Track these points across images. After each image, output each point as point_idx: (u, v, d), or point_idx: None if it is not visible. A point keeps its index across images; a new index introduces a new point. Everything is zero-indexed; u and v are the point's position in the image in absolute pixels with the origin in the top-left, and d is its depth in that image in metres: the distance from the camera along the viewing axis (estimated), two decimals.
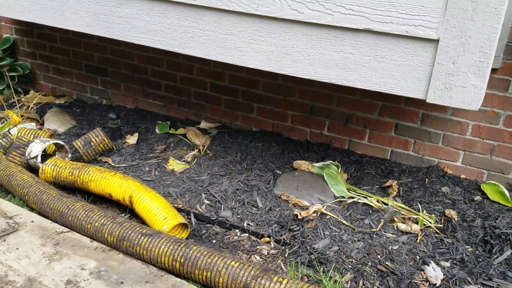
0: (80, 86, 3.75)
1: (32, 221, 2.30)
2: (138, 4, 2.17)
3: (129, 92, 3.50)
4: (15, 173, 2.52)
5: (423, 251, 1.99)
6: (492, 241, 2.02)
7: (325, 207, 2.25)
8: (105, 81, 3.58)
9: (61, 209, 2.25)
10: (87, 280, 1.90)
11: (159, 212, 2.17)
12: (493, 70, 2.30)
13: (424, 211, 2.24)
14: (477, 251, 2.00)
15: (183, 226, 2.21)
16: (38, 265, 1.97)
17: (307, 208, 2.23)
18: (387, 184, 2.41)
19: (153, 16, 2.16)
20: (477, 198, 2.35)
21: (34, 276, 1.90)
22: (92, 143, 2.74)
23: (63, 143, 2.73)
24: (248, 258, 2.09)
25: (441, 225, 2.14)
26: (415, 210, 2.23)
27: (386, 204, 2.26)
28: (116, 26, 2.27)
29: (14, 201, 2.48)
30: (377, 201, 2.29)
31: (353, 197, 2.31)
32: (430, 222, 2.13)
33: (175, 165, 2.66)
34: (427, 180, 2.49)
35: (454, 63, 1.64)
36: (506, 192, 2.33)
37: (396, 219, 2.15)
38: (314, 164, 2.56)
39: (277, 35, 1.92)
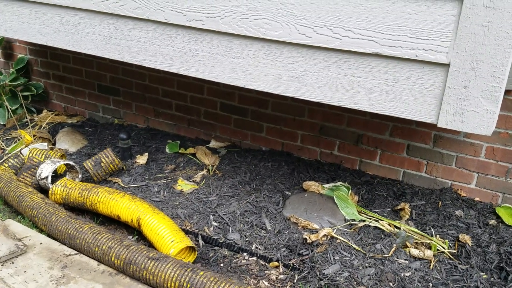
0: (92, 105, 3.79)
1: (41, 243, 2.30)
2: (149, 28, 2.19)
3: (141, 111, 3.53)
4: (25, 194, 2.53)
5: (436, 278, 1.93)
6: (507, 268, 1.95)
7: (335, 230, 2.21)
8: (117, 100, 3.62)
9: (69, 231, 2.25)
10: None
11: (166, 234, 2.16)
12: (507, 92, 2.25)
13: (438, 235, 2.18)
14: (492, 278, 1.94)
15: (191, 249, 2.18)
16: None
17: (317, 232, 2.19)
18: (399, 207, 2.36)
19: (163, 39, 2.17)
20: (492, 222, 2.29)
21: None
22: (102, 164, 2.75)
23: (73, 164, 2.75)
24: (256, 283, 2.05)
25: (455, 251, 2.08)
26: (428, 234, 2.17)
27: (398, 228, 2.21)
28: (127, 49, 2.29)
29: (23, 222, 2.49)
30: (389, 224, 2.24)
31: (364, 221, 2.27)
32: (444, 248, 2.08)
33: (184, 185, 2.65)
34: (440, 203, 2.43)
35: (466, 87, 1.60)
36: None
37: (408, 244, 2.10)
38: (324, 185, 2.52)
39: (285, 59, 1.91)
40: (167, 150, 3.10)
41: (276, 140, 3.02)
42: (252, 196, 2.50)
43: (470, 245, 2.10)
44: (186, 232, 2.34)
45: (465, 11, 1.53)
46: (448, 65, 1.61)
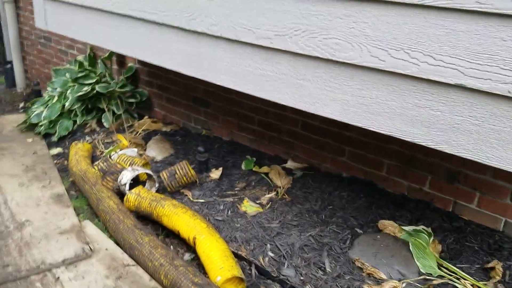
0: (186, 115, 3.90)
1: (106, 249, 2.38)
2: (221, 45, 2.13)
3: (226, 124, 3.52)
4: (104, 198, 2.66)
5: None
6: None
7: (404, 284, 1.89)
8: (207, 112, 3.67)
9: (131, 241, 2.29)
10: None
11: (216, 260, 2.06)
12: None
13: None
14: None
15: (240, 279, 2.06)
16: None
17: (382, 283, 1.90)
18: (490, 265, 1.94)
19: (232, 58, 2.09)
20: None
21: None
22: (176, 175, 2.77)
23: (151, 173, 2.82)
24: None
25: None
26: None
27: None
28: (201, 67, 2.25)
29: (98, 225, 2.62)
30: (472, 285, 1.85)
31: (443, 277, 1.91)
32: None
33: (248, 207, 2.54)
34: None
35: None
36: None
37: None
38: (403, 227, 2.20)
39: (354, 84, 1.69)
40: (243, 167, 3.03)
41: (358, 167, 2.75)
42: (317, 229, 2.29)
43: None
44: (241, 258, 2.23)
45: None
46: None
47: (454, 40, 1.38)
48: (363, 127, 1.69)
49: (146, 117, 4.21)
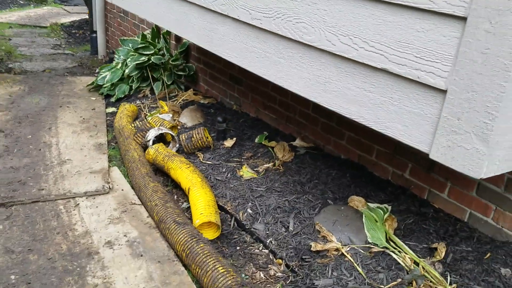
0: (223, 91, 4.30)
1: (122, 190, 2.87)
2: (227, 23, 2.46)
3: (253, 102, 3.86)
4: (130, 149, 3.16)
5: None
6: None
7: (349, 248, 2.14)
8: (239, 90, 4.03)
9: (140, 185, 2.75)
10: (121, 245, 2.31)
11: (200, 207, 2.45)
12: None
13: (459, 287, 1.90)
14: None
15: (217, 226, 2.42)
16: (99, 223, 2.48)
17: (326, 243, 2.16)
18: (433, 246, 2.11)
19: (236, 35, 2.41)
20: None
21: (91, 230, 2.41)
22: (192, 139, 3.18)
23: (173, 134, 3.26)
24: (254, 272, 2.18)
25: None
26: (447, 282, 1.91)
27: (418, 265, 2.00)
28: (213, 41, 2.61)
29: (123, 171, 3.12)
30: (411, 259, 2.04)
31: (386, 248, 2.12)
32: None
33: (245, 172, 2.88)
34: (489, 254, 2.06)
35: (459, 119, 1.41)
36: None
37: (414, 284, 1.90)
38: (369, 204, 2.41)
39: (315, 64, 1.95)
40: (256, 140, 3.36)
41: (354, 151, 2.96)
42: (295, 196, 2.57)
43: None
44: (226, 212, 2.59)
45: (467, 34, 1.35)
46: (445, 91, 1.44)
47: (384, 29, 1.60)
48: (318, 103, 1.95)
49: (191, 89, 4.67)
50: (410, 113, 1.57)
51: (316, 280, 2.00)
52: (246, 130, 3.58)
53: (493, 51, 1.29)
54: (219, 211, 2.62)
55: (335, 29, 1.79)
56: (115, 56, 5.19)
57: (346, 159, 3.01)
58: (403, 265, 2.02)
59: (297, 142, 3.29)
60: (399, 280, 1.94)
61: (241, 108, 4.07)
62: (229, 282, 1.89)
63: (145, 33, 5.21)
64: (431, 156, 1.52)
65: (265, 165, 2.95)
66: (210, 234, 2.43)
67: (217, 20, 2.53)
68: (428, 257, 2.07)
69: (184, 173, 2.75)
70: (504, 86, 1.27)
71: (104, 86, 4.85)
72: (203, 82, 4.65)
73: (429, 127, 1.52)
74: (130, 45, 4.92)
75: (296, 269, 2.11)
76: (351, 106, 1.80)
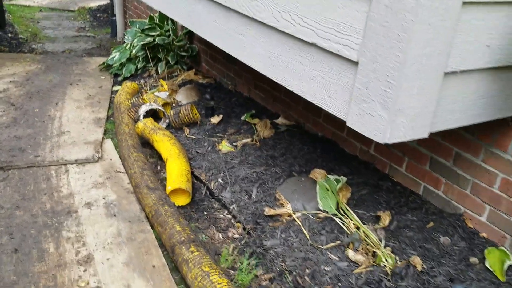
0: (221, 71, 4.47)
1: (111, 159, 3.11)
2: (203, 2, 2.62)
3: (246, 82, 4.02)
4: (123, 123, 3.40)
5: (350, 281, 1.87)
6: None
7: (300, 214, 2.29)
8: (235, 70, 4.19)
9: (125, 155, 2.99)
10: (98, 206, 2.56)
11: (174, 175, 2.65)
12: None
13: (395, 251, 2.03)
14: None
15: (188, 194, 2.62)
16: (83, 187, 2.74)
17: (278, 209, 2.32)
18: (378, 214, 2.24)
19: (209, 14, 2.57)
20: (473, 260, 1.95)
21: (74, 192, 2.67)
22: (180, 115, 3.39)
23: (163, 110, 3.48)
24: (215, 234, 2.38)
25: (395, 269, 1.92)
26: (382, 246, 2.04)
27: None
28: (193, 20, 2.78)
29: (114, 143, 3.36)
30: (355, 225, 2.18)
31: (335, 215, 2.26)
32: (386, 263, 1.95)
33: (224, 146, 3.06)
34: (432, 224, 2.17)
35: (367, 89, 1.53)
36: (507, 264, 1.86)
37: (351, 246, 2.04)
38: (329, 175, 2.55)
39: (267, 40, 2.09)
40: (242, 118, 3.53)
41: (329, 129, 3.08)
42: (263, 168, 2.74)
43: (418, 269, 1.90)
44: (200, 181, 2.79)
45: (372, 9, 1.48)
46: (357, 63, 1.56)
47: (315, 3, 1.71)
48: (271, 77, 2.10)
49: (192, 70, 4.87)
50: (334, 84, 1.70)
51: (265, 240, 2.18)
52: (236, 109, 3.75)
53: (391, 24, 1.41)
54: (195, 181, 2.83)
55: (279, 6, 1.92)
56: (125, 37, 5.44)
57: (322, 136, 3.14)
58: (346, 230, 2.16)
59: (280, 120, 3.44)
60: (338, 242, 2.09)
61: (236, 88, 4.24)
62: (183, 238, 2.10)
63: (154, 15, 5.43)
64: (348, 124, 1.65)
65: (244, 140, 3.12)
66: (182, 200, 2.63)
67: (194, 0, 2.70)
68: (372, 224, 2.20)
69: (164, 145, 2.96)
70: (399, 56, 1.39)
71: (114, 65, 5.11)
72: (205, 62, 4.83)
73: (346, 97, 1.65)
74: (137, 26, 5.15)
75: (251, 231, 2.29)
76: (293, 79, 1.95)
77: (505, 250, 1.98)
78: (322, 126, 3.16)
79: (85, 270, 2.05)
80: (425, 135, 1.59)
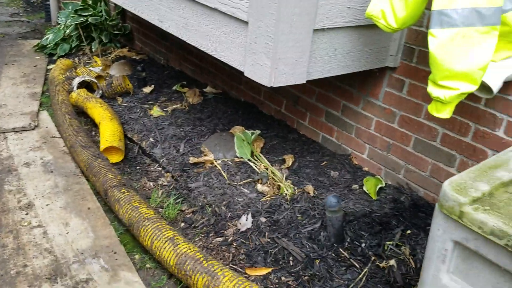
0: (153, 48, 4.74)
1: (47, 127, 3.34)
2: None
3: (177, 56, 4.32)
4: (57, 95, 3.61)
5: (257, 207, 2.29)
6: (312, 212, 2.20)
7: (220, 161, 2.68)
8: (166, 45, 4.48)
9: (60, 121, 3.23)
10: (36, 165, 2.80)
11: (106, 135, 2.94)
12: (393, 69, 2.33)
13: (295, 183, 2.47)
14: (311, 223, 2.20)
15: (121, 151, 2.92)
16: (22, 150, 2.96)
17: (201, 157, 2.70)
18: (284, 157, 2.68)
19: None
20: (355, 186, 2.44)
21: (13, 155, 2.89)
22: (112, 85, 3.65)
23: (95, 81, 3.72)
24: (146, 183, 2.71)
25: (293, 196, 2.36)
26: (285, 180, 2.48)
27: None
28: None
29: (50, 114, 3.58)
30: (265, 167, 2.60)
31: (250, 160, 2.67)
32: (287, 191, 2.38)
33: (155, 111, 3.38)
34: (325, 162, 2.65)
35: (255, 43, 1.93)
36: (378, 187, 2.37)
37: (260, 181, 2.47)
38: (247, 131, 2.95)
39: (180, 8, 2.41)
40: (173, 88, 3.85)
41: (249, 94, 3.48)
42: (190, 127, 3.10)
43: (311, 194, 2.35)
44: (133, 142, 3.09)
45: None
46: (247, 22, 1.94)
47: None
48: (186, 41, 2.43)
49: (127, 47, 5.09)
50: (234, 42, 2.08)
51: (190, 183, 2.55)
52: (168, 80, 4.06)
53: None
54: (128, 142, 3.13)
55: None
56: (59, 18, 5.53)
57: (244, 101, 3.54)
58: (257, 170, 2.58)
59: (208, 89, 3.80)
60: (250, 179, 2.50)
61: (168, 62, 4.53)
62: (115, 183, 2.42)
63: None
64: (245, 74, 2.04)
65: (174, 106, 3.46)
66: (116, 158, 2.94)
67: None
68: (278, 165, 2.64)
69: (97, 110, 3.23)
70: (274, 15, 1.79)
71: (48, 46, 5.21)
72: (138, 40, 5.06)
73: (243, 51, 2.03)
74: (70, 7, 5.27)
75: (178, 178, 2.65)
76: (203, 41, 2.30)
77: (380, 178, 2.48)
78: (243, 92, 3.55)
79: (27, 214, 2.33)
80: (303, 81, 2.02)
